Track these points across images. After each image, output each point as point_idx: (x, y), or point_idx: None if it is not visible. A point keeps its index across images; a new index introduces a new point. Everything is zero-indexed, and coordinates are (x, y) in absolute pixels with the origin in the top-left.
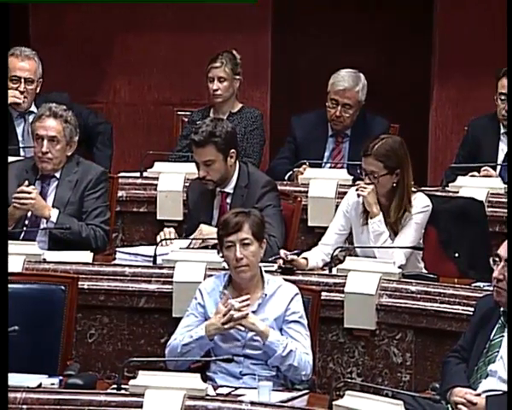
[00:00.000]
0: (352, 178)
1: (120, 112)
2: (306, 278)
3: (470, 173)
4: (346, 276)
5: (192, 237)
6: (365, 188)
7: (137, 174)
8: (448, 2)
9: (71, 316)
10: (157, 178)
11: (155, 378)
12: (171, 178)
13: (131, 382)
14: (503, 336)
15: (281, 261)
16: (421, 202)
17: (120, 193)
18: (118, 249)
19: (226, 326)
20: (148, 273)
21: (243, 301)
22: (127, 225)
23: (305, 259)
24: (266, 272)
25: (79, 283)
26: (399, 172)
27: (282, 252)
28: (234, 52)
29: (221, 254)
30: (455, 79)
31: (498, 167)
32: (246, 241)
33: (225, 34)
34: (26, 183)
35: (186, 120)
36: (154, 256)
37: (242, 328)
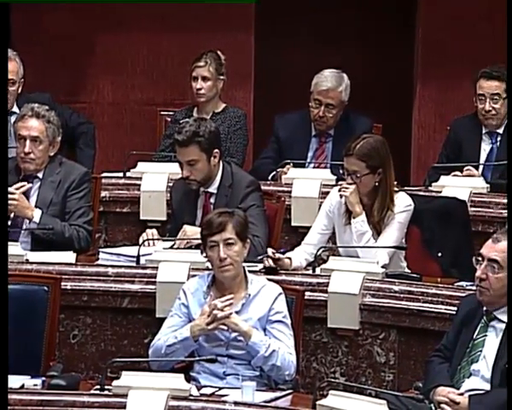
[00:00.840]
0: (335, 177)
1: (103, 112)
2: (290, 277)
3: (453, 173)
4: (329, 276)
5: (176, 237)
6: (347, 188)
7: (120, 174)
8: (430, 3)
9: (54, 317)
10: (140, 179)
11: (139, 379)
12: (155, 179)
13: (115, 382)
14: (486, 335)
15: (270, 260)
16: (403, 202)
17: (103, 193)
18: (101, 250)
19: (210, 327)
20: (132, 274)
21: (226, 300)
22: (110, 225)
23: (289, 259)
24: (250, 272)
25: (62, 283)
26: (381, 171)
27: (270, 250)
28: (218, 52)
29: (204, 254)
30: (437, 79)
31: (481, 167)
32: (229, 241)
33: (209, 34)
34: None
35: (169, 119)
36: (138, 256)
37: (226, 328)
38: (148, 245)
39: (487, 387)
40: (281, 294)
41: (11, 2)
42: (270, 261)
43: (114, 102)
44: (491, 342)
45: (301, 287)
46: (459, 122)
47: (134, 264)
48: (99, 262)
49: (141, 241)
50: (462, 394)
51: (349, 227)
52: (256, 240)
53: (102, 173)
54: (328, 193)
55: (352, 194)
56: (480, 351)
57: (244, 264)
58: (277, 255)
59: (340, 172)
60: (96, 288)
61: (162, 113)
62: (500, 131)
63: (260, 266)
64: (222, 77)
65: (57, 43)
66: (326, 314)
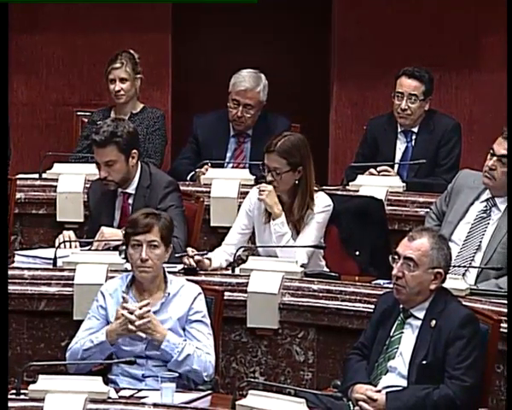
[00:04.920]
0: (254, 177)
1: (18, 112)
2: (209, 278)
3: (368, 171)
4: (248, 276)
5: (94, 239)
6: (263, 191)
7: (36, 176)
8: (346, 3)
9: None
10: (56, 180)
11: (56, 382)
12: (71, 180)
13: (31, 386)
14: (402, 332)
15: (190, 259)
16: (322, 202)
17: (19, 195)
18: (16, 252)
19: (126, 332)
20: (48, 276)
21: (143, 306)
22: (26, 227)
23: (209, 259)
24: (169, 272)
25: None
26: (302, 169)
27: (190, 250)
28: (132, 51)
29: (123, 256)
30: (354, 79)
31: (396, 166)
32: (153, 243)
33: (125, 34)
34: None
35: (86, 120)
36: (54, 259)
37: (144, 335)
38: (65, 247)
39: (404, 383)
40: (200, 294)
41: (11, 2)
42: (191, 260)
43: (29, 103)
44: (408, 339)
45: (220, 287)
46: (375, 121)
47: (51, 266)
48: (14, 265)
49: (57, 243)
50: (379, 391)
51: (269, 227)
52: (175, 241)
53: (17, 175)
54: (247, 193)
55: (268, 196)
56: (397, 348)
57: (163, 264)
58: (196, 258)
59: (260, 169)
60: (12, 291)
61: (78, 113)
62: (415, 130)
63: (180, 266)
64: (139, 75)
65: None
66: (245, 314)
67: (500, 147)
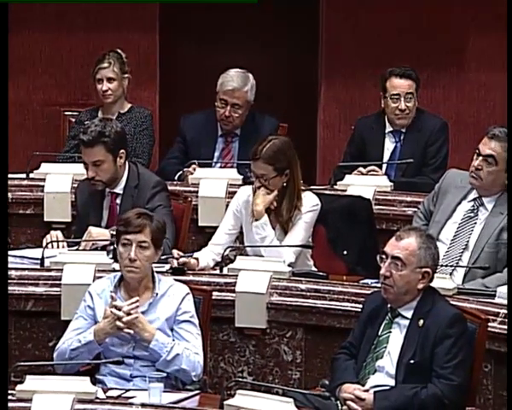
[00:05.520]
0: (241, 177)
1: None
2: (197, 278)
3: (355, 171)
4: (236, 275)
5: (81, 239)
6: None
7: (23, 176)
8: (334, 4)
9: None
10: (44, 180)
11: (43, 382)
12: (59, 180)
13: (19, 387)
14: (390, 332)
15: (174, 261)
16: (310, 202)
17: None
18: None
19: (114, 330)
20: (36, 276)
21: (132, 303)
22: (13, 227)
23: (196, 259)
24: (157, 272)
25: None
26: (289, 172)
27: (176, 252)
28: (119, 51)
29: (111, 255)
30: (342, 79)
31: (384, 166)
32: (143, 244)
33: (113, 34)
34: None
35: (73, 120)
36: (42, 259)
37: (131, 331)
38: (53, 247)
39: (392, 383)
40: (188, 294)
41: (11, 2)
42: (175, 262)
43: (16, 103)
44: (396, 339)
45: (209, 287)
46: (363, 121)
47: (38, 266)
48: None
49: (45, 243)
50: (367, 390)
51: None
52: (163, 241)
53: None
54: (235, 193)
55: (263, 197)
56: (385, 347)
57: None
58: (182, 260)
59: (246, 170)
60: None
61: (66, 113)
62: (403, 129)
63: (167, 266)
64: (126, 75)
65: None
66: (233, 314)
67: (485, 147)
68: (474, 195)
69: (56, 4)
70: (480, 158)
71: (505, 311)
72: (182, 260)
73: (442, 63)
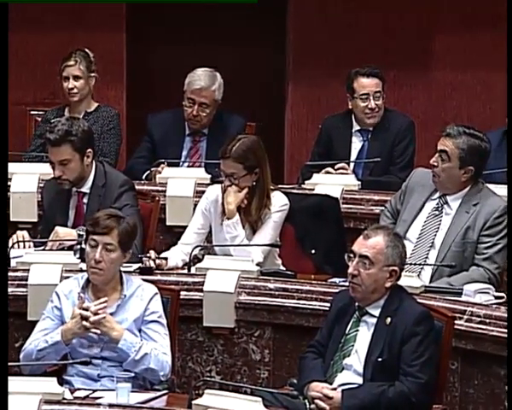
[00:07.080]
0: (209, 176)
1: None
2: (165, 277)
3: (325, 170)
4: (204, 275)
5: (48, 239)
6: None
7: None
8: (301, 3)
9: None
10: (10, 179)
11: (10, 383)
12: (25, 179)
13: None
14: (357, 330)
15: (151, 261)
16: (279, 201)
17: None
18: None
19: (81, 331)
20: None
21: (100, 303)
22: None
23: (165, 259)
24: (125, 272)
25: None
26: (258, 170)
27: (153, 253)
28: (86, 50)
29: (78, 255)
30: (309, 79)
31: (352, 164)
32: (109, 247)
33: (79, 33)
34: None
35: (40, 119)
36: (8, 259)
37: (98, 332)
38: (19, 247)
39: (359, 381)
40: (156, 294)
41: (11, 2)
42: (151, 262)
43: None
44: (363, 337)
45: (176, 286)
46: (330, 120)
47: None
48: None
49: (11, 243)
50: (335, 388)
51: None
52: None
53: None
54: (203, 192)
55: (235, 195)
56: (352, 345)
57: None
58: (158, 261)
59: (215, 170)
60: None
61: (32, 112)
62: (370, 128)
63: (135, 266)
64: (93, 74)
65: None
66: (201, 313)
67: (440, 144)
68: (439, 193)
69: (22, 4)
70: (436, 155)
71: (472, 309)
72: (158, 261)
73: (409, 63)
